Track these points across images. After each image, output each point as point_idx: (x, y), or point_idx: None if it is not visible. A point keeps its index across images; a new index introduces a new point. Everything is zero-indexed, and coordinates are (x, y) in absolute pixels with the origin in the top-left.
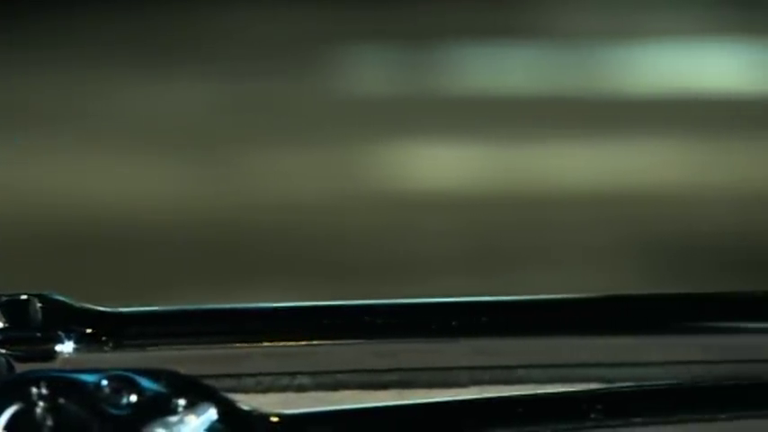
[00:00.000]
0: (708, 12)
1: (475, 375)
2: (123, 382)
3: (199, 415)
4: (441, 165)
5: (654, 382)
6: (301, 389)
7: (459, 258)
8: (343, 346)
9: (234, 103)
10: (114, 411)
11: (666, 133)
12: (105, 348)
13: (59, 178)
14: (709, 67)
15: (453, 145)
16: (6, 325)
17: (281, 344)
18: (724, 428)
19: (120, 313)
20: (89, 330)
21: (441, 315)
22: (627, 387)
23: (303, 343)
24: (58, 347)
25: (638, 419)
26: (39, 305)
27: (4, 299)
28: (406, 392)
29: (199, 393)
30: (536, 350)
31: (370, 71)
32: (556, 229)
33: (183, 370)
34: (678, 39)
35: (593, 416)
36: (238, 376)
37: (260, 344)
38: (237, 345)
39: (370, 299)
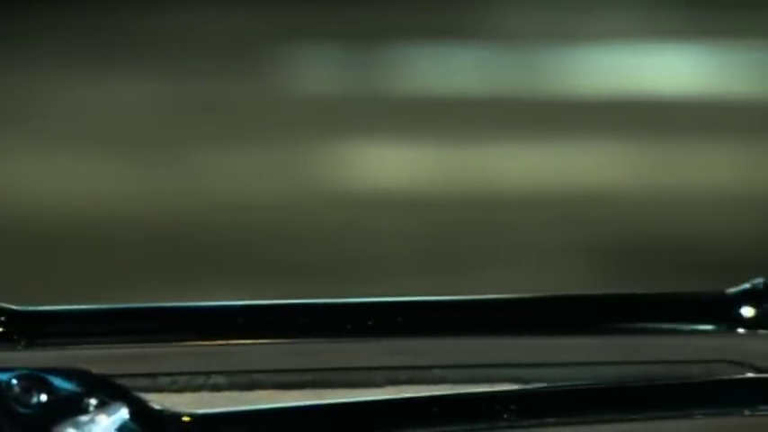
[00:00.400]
0: (656, 14)
1: (391, 375)
2: (34, 382)
3: (110, 414)
4: (390, 164)
5: (568, 383)
6: (216, 388)
7: (409, 258)
8: (258, 346)
9: (180, 102)
10: (24, 411)
11: (616, 135)
12: (18, 347)
13: (0, 177)
14: (658, 69)
15: (402, 145)
16: None
17: (197, 343)
18: (638, 429)
19: (34, 312)
20: (1, 329)
21: (357, 315)
22: (541, 388)
23: (218, 342)
24: None
25: (551, 420)
26: None
27: None
28: (323, 392)
29: (110, 393)
30: (453, 350)
31: (318, 70)
32: (506, 229)
33: (97, 369)
34: (628, 41)
35: (506, 416)
36: (153, 376)
37: (175, 343)
38: (152, 344)
39: (318, 298)
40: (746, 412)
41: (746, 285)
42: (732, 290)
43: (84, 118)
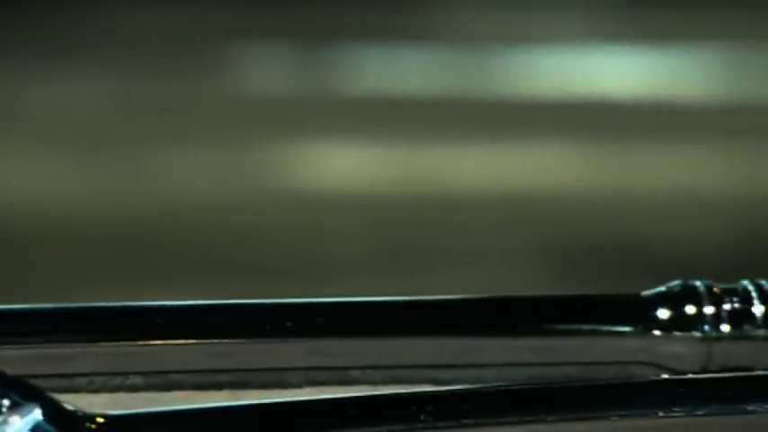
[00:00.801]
0: (604, 17)
1: (310, 376)
2: None
3: (23, 415)
4: (343, 165)
5: (485, 384)
6: (134, 389)
7: (363, 259)
8: (176, 347)
9: (134, 102)
10: None
11: (565, 137)
12: None
13: None
14: (606, 71)
15: (355, 145)
16: None
17: (114, 343)
18: (554, 430)
19: None
20: None
21: (275, 315)
22: (458, 389)
23: (136, 343)
24: None
25: (468, 421)
26: None
27: None
28: (240, 393)
29: (24, 393)
30: (370, 351)
31: (271, 70)
32: (458, 230)
33: (12, 370)
34: (576, 43)
35: (422, 417)
36: (70, 376)
37: (92, 343)
38: (69, 344)
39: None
40: (661, 414)
41: (662, 288)
42: (648, 292)
43: (37, 119)
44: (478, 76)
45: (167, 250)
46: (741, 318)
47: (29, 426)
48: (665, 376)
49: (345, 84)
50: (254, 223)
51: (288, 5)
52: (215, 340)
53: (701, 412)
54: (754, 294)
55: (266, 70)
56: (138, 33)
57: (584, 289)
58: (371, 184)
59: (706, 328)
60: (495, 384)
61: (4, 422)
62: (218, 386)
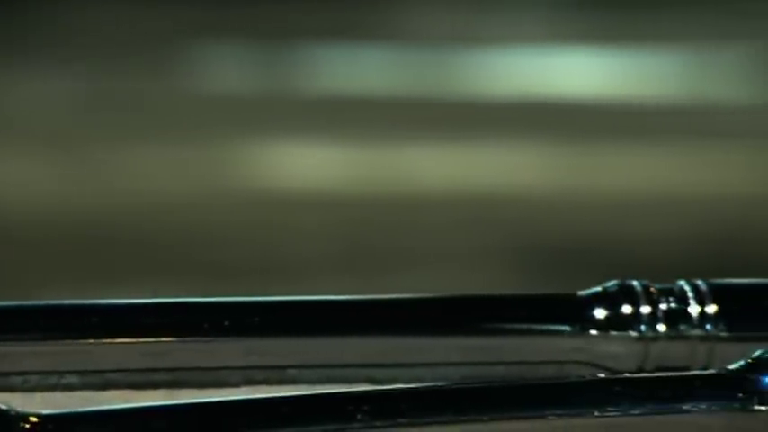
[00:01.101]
0: (568, 18)
1: (247, 375)
2: None
3: None
4: (303, 164)
5: (422, 384)
6: (69, 388)
7: (325, 258)
8: (112, 345)
9: (93, 101)
10: None
11: (526, 137)
12: None
13: None
14: (567, 71)
15: (315, 144)
16: None
17: (49, 342)
18: (491, 429)
19: None
20: None
21: (213, 314)
22: (395, 388)
23: (72, 341)
24: None
25: (404, 420)
26: None
27: None
28: (177, 392)
29: None
30: (307, 351)
31: (231, 69)
32: (420, 230)
33: None
34: (537, 43)
35: (359, 416)
36: (5, 375)
37: (27, 342)
38: (3, 343)
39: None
40: (597, 413)
41: (598, 288)
42: (584, 292)
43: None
44: (441, 76)
45: (129, 249)
46: (677, 318)
47: None
48: (602, 375)
49: (307, 83)
50: (216, 222)
51: (251, 4)
52: (151, 339)
53: (636, 411)
54: (690, 294)
55: (230, 69)
56: (101, 33)
57: (547, 289)
58: (333, 184)
59: (642, 327)
60: (433, 384)
61: None
62: (155, 385)
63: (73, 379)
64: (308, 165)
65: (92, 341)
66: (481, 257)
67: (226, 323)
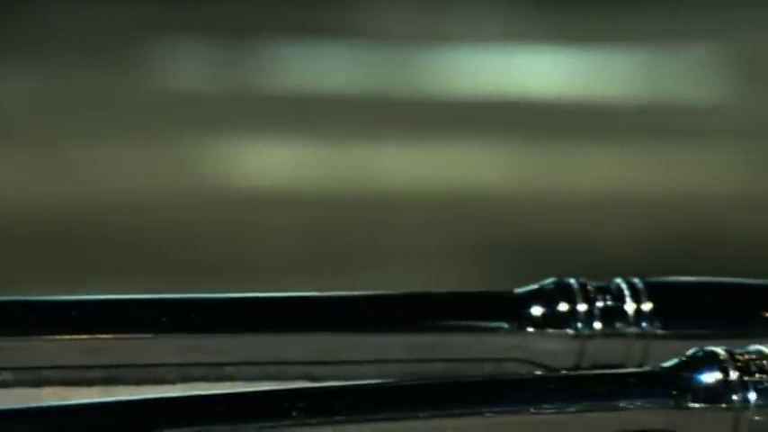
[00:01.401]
0: (529, 16)
1: (184, 372)
2: None
3: None
4: (267, 162)
5: (359, 381)
6: (4, 385)
7: (288, 256)
8: (48, 342)
9: (58, 99)
10: None
11: (491, 135)
12: None
13: None
14: (531, 70)
15: (280, 142)
16: None
17: None
18: (428, 426)
19: None
20: None
21: (150, 311)
22: (332, 386)
23: (6, 338)
24: None
25: (341, 418)
26: None
27: None
28: (113, 389)
29: None
30: (246, 348)
31: (195, 67)
32: (387, 228)
33: None
34: (502, 42)
35: (294, 414)
36: None
37: None
38: None
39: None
40: (533, 410)
41: (535, 286)
42: (521, 290)
43: None
44: (407, 74)
45: (92, 248)
46: (613, 315)
47: None
48: (538, 373)
49: (269, 81)
50: (183, 221)
51: (211, 2)
52: (87, 335)
53: (572, 409)
54: (626, 293)
55: (192, 68)
56: (61, 31)
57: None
58: (299, 182)
59: (579, 325)
60: (369, 381)
61: None
62: (90, 382)
63: (7, 376)
64: (272, 163)
65: (27, 338)
66: (447, 256)
67: (163, 320)
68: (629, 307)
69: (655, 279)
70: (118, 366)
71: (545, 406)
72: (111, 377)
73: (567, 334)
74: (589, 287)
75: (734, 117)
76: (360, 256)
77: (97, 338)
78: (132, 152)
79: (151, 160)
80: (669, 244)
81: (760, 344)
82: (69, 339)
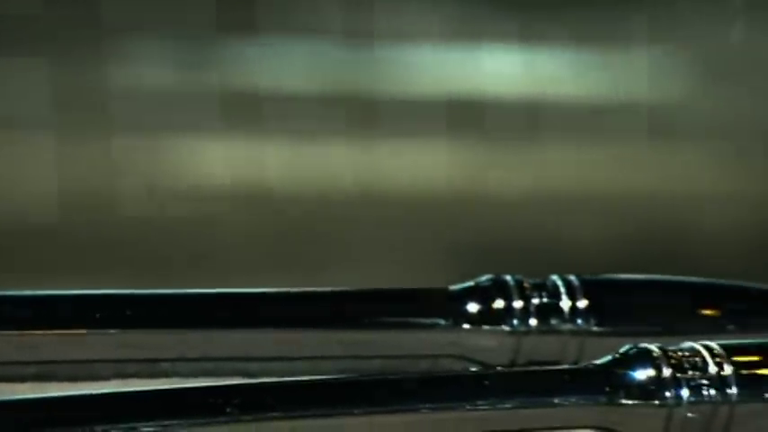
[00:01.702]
0: (485, 15)
1: (118, 368)
2: None
3: None
4: (216, 160)
5: (293, 378)
6: None
7: (247, 254)
8: None
9: (18, 95)
10: None
11: (450, 134)
12: None
13: None
14: (487, 69)
15: (238, 140)
16: None
17: None
18: (362, 423)
19: None
20: None
21: (84, 307)
22: (267, 382)
23: None
24: None
25: (275, 414)
26: None
27: None
28: (47, 385)
29: None
30: (181, 344)
31: (150, 64)
32: (342, 228)
33: None
34: (458, 40)
35: (228, 410)
36: None
37: None
38: None
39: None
40: (468, 406)
41: (471, 283)
42: (456, 286)
43: None
44: (357, 72)
45: (48, 245)
46: (548, 312)
47: None
48: (474, 369)
49: (222, 78)
50: (140, 218)
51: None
52: (20, 331)
53: (508, 405)
54: (562, 290)
55: (148, 65)
56: (14, 25)
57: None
58: (250, 180)
59: (514, 322)
60: (303, 378)
61: None
62: (22, 378)
63: None
64: (220, 160)
65: None
66: (397, 255)
67: (97, 315)
68: (565, 304)
69: (590, 276)
70: (51, 362)
71: (480, 402)
72: (44, 373)
73: (502, 330)
74: (525, 284)
75: (703, 116)
76: (317, 254)
77: (30, 334)
78: (86, 148)
79: (113, 157)
80: (638, 243)
81: (693, 341)
82: (2, 335)
